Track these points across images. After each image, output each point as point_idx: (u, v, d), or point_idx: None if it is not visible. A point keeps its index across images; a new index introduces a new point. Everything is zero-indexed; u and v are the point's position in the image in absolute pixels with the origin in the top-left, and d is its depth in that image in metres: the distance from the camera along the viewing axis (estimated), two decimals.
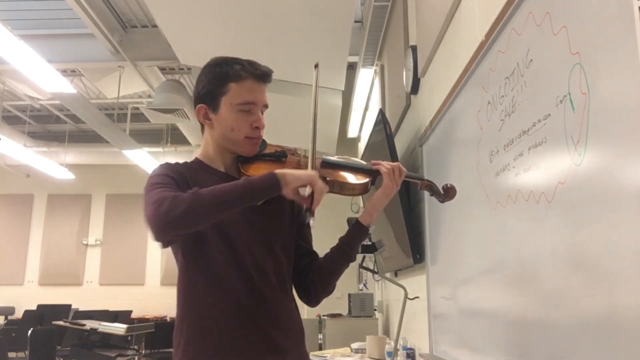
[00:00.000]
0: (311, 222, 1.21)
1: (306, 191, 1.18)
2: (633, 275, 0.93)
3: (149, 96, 6.85)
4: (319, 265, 1.38)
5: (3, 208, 9.21)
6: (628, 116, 0.94)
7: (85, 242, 9.16)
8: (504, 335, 1.59)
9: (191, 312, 1.25)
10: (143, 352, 6.62)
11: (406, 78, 3.06)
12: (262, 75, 1.31)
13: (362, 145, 6.02)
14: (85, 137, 8.37)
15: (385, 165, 1.35)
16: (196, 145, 7.59)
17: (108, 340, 5.73)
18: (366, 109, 5.65)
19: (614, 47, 0.99)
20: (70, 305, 7.84)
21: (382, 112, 3.24)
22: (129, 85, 6.10)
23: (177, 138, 8.01)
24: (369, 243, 2.80)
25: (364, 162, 1.40)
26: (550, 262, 1.25)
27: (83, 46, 5.31)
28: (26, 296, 8.63)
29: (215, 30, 3.90)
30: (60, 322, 5.93)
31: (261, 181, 1.16)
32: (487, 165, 1.70)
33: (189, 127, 6.74)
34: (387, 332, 4.40)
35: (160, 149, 8.02)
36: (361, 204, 6.70)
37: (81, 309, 7.72)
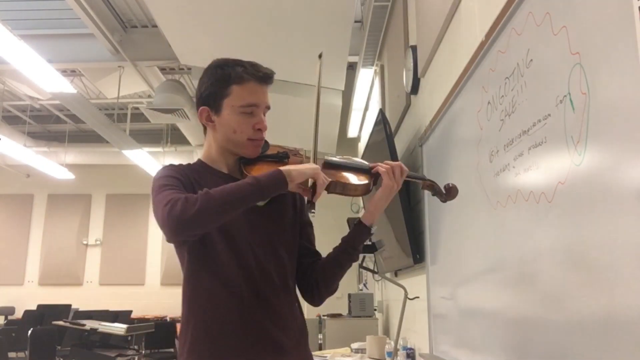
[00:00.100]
0: (312, 212, 1.26)
1: (309, 183, 1.22)
2: (633, 275, 0.93)
3: (149, 96, 6.85)
4: (322, 265, 1.39)
5: (3, 208, 9.22)
6: (628, 116, 0.94)
7: (85, 242, 9.16)
8: (504, 335, 1.59)
9: (196, 312, 1.27)
10: (143, 352, 6.62)
11: (406, 78, 3.06)
12: (264, 77, 1.32)
13: (362, 145, 6.02)
14: (85, 137, 8.38)
15: (383, 165, 1.35)
16: (196, 145, 7.59)
17: (108, 340, 5.73)
18: (366, 109, 5.65)
19: (614, 47, 0.99)
20: (70, 305, 7.85)
21: (382, 112, 3.24)
22: (129, 85, 6.11)
23: (177, 138, 8.01)
24: (369, 243, 2.79)
25: (366, 163, 1.40)
26: (550, 262, 1.25)
27: (83, 46, 5.32)
28: (26, 296, 8.64)
29: (215, 30, 3.90)
30: (60, 322, 5.93)
31: (268, 178, 1.18)
32: (487, 165, 1.70)
33: (189, 127, 6.74)
34: (387, 332, 4.40)
35: (160, 149, 8.02)
36: (361, 204, 6.70)
37: (81, 309, 7.72)
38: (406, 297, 2.83)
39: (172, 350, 7.00)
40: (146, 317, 8.02)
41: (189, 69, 5.67)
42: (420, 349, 2.86)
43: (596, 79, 1.05)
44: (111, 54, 5.27)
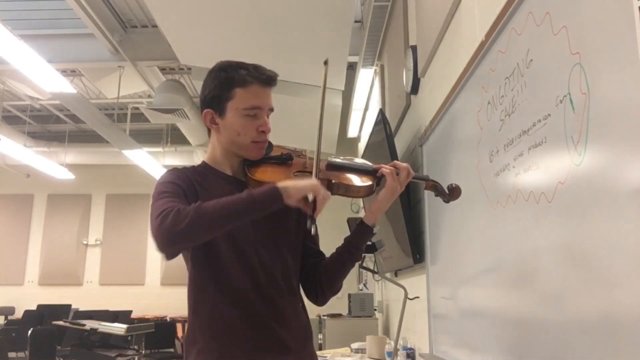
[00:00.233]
0: (313, 229, 1.24)
1: (309, 197, 1.20)
2: (633, 275, 0.93)
3: (149, 96, 6.85)
4: (325, 265, 1.40)
5: (3, 208, 9.21)
6: (628, 116, 0.94)
7: (85, 242, 9.16)
8: (503, 335, 1.59)
9: (201, 313, 1.27)
10: (143, 352, 6.63)
11: (406, 78, 3.06)
12: (267, 79, 1.33)
13: (362, 145, 6.02)
14: (85, 137, 8.37)
15: (387, 167, 1.35)
16: (196, 145, 7.58)
17: (108, 340, 5.73)
18: (366, 109, 5.65)
19: (614, 47, 0.99)
20: (70, 305, 7.85)
21: (382, 112, 3.24)
22: (129, 85, 6.11)
23: (177, 138, 8.01)
24: (369, 243, 2.80)
25: (369, 164, 1.40)
26: (550, 262, 1.25)
27: (83, 46, 5.32)
28: (26, 296, 8.63)
29: (215, 30, 3.89)
30: (60, 322, 5.93)
31: (263, 195, 1.17)
32: (487, 165, 1.70)
33: (189, 127, 6.74)
34: (387, 332, 4.40)
35: (160, 149, 8.02)
36: (361, 204, 6.70)
37: (81, 309, 7.73)
38: (406, 297, 2.83)
39: (172, 350, 7.01)
40: (146, 317, 8.01)
41: (189, 69, 5.67)
42: (420, 349, 2.86)
43: (596, 79, 1.05)
44: (111, 54, 5.27)
